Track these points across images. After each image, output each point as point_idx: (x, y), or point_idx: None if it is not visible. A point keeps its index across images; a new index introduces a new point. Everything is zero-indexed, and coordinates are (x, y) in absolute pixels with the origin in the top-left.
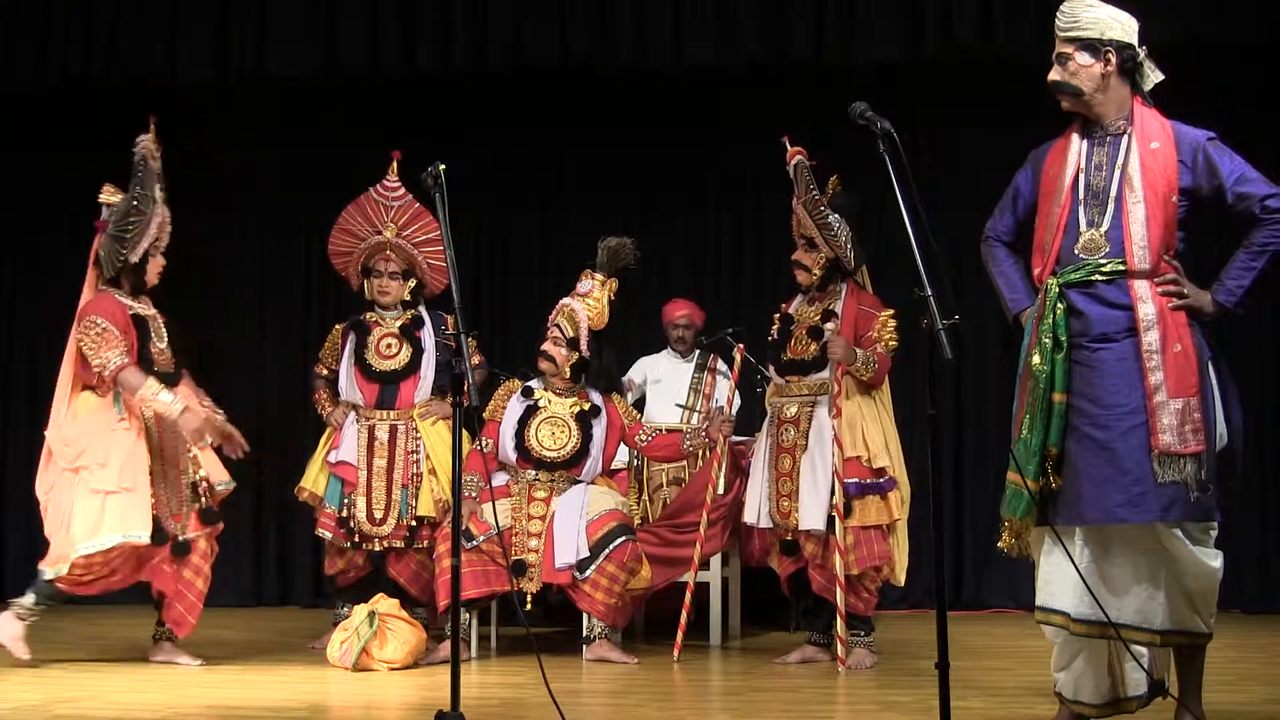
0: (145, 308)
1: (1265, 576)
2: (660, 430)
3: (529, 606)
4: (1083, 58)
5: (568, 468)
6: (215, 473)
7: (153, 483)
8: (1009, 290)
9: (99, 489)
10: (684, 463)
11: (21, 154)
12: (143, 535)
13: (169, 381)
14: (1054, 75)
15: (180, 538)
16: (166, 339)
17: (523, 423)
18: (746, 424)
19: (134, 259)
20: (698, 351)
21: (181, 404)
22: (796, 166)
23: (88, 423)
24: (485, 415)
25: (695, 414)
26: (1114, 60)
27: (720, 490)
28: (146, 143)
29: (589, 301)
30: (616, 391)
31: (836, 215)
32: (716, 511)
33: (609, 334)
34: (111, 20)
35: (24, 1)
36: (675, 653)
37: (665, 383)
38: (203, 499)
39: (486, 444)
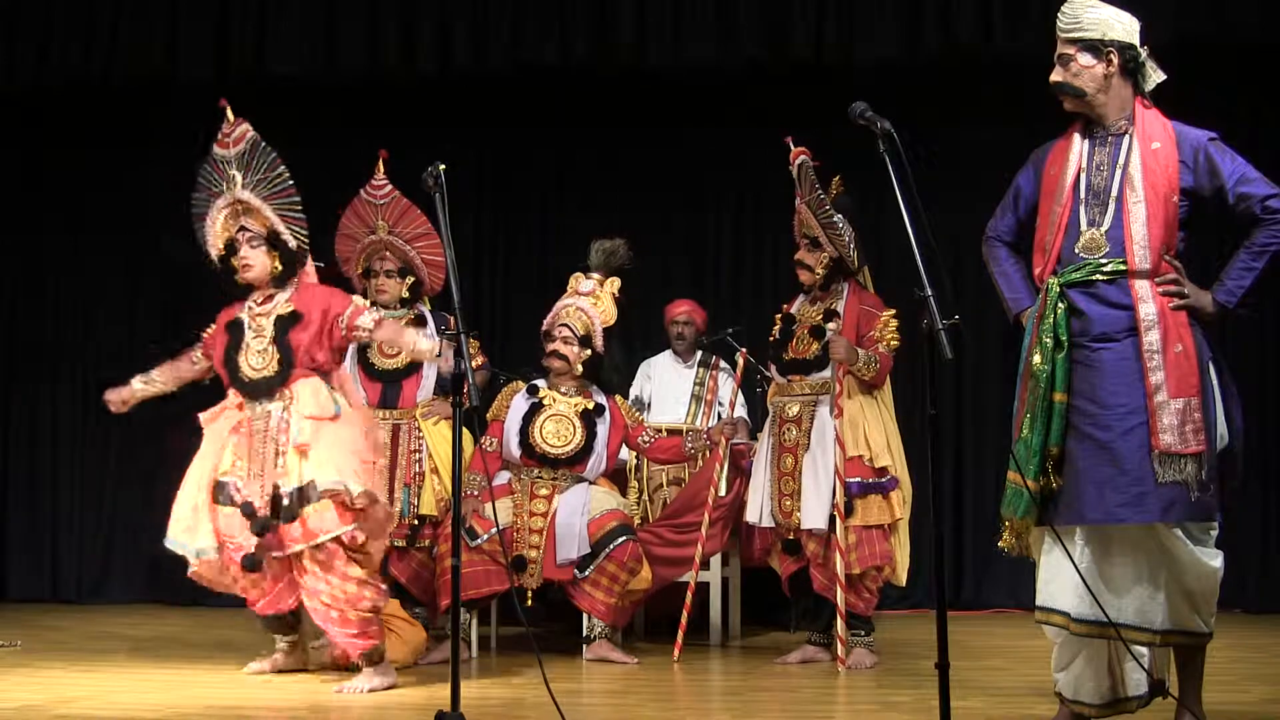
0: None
1: (1267, 577)
2: (662, 432)
3: (529, 603)
4: (1085, 59)
5: (571, 465)
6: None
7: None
8: (1009, 290)
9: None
10: (684, 463)
11: (21, 154)
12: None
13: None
14: (1056, 76)
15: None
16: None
17: (527, 419)
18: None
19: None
20: (698, 353)
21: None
22: (800, 166)
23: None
24: (489, 415)
25: (698, 419)
26: (1116, 61)
27: (722, 491)
28: None
29: (594, 300)
30: (620, 394)
31: (840, 215)
32: (717, 511)
33: (614, 330)
34: (111, 20)
35: (24, 1)
36: (675, 653)
37: (666, 384)
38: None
39: (491, 443)
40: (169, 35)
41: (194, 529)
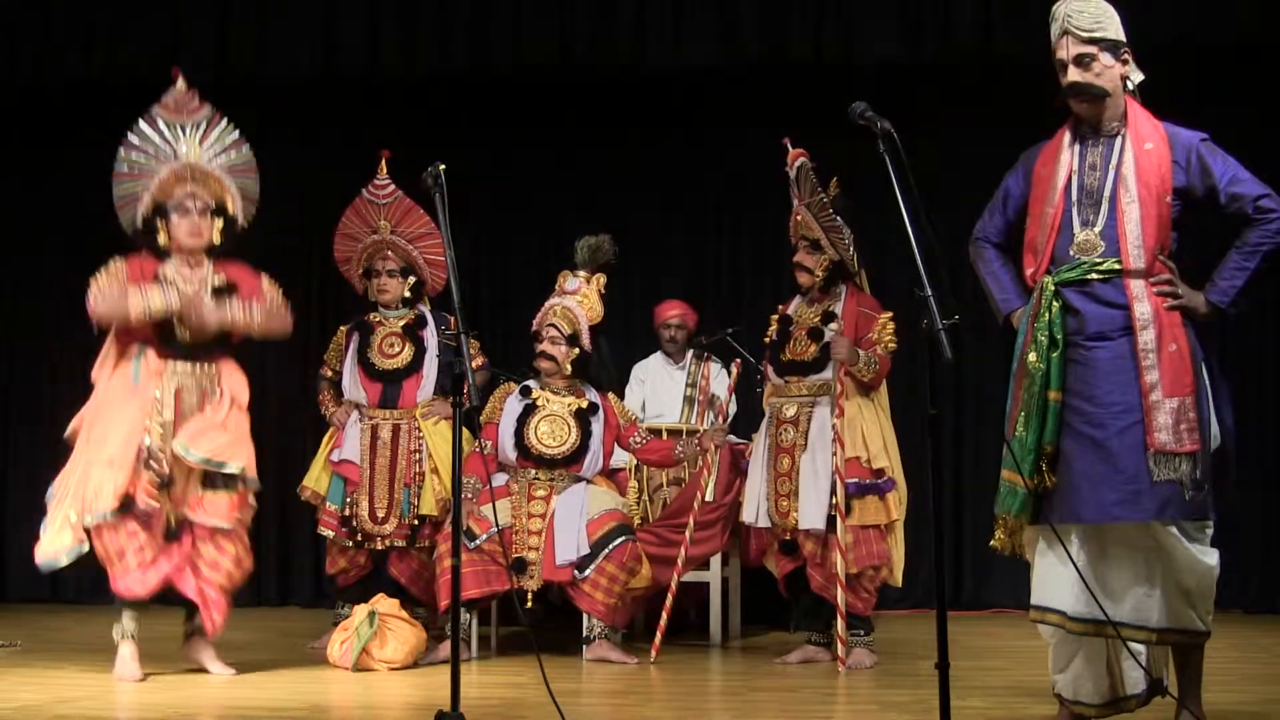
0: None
1: (1266, 577)
2: (662, 434)
3: (529, 605)
4: (1106, 59)
5: (568, 465)
6: None
7: None
8: (999, 291)
9: None
10: (674, 466)
11: (21, 154)
12: None
13: None
14: (1076, 77)
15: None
16: None
17: (521, 421)
18: (746, 426)
19: None
20: (690, 353)
21: None
22: (800, 169)
23: None
24: (483, 418)
25: (693, 419)
26: (1129, 61)
27: (709, 499)
28: None
29: (580, 298)
30: (614, 390)
31: (839, 217)
32: (715, 512)
33: (601, 327)
34: (111, 20)
35: (24, 1)
36: (653, 654)
37: (659, 387)
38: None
39: (485, 445)
40: (169, 35)
41: None
